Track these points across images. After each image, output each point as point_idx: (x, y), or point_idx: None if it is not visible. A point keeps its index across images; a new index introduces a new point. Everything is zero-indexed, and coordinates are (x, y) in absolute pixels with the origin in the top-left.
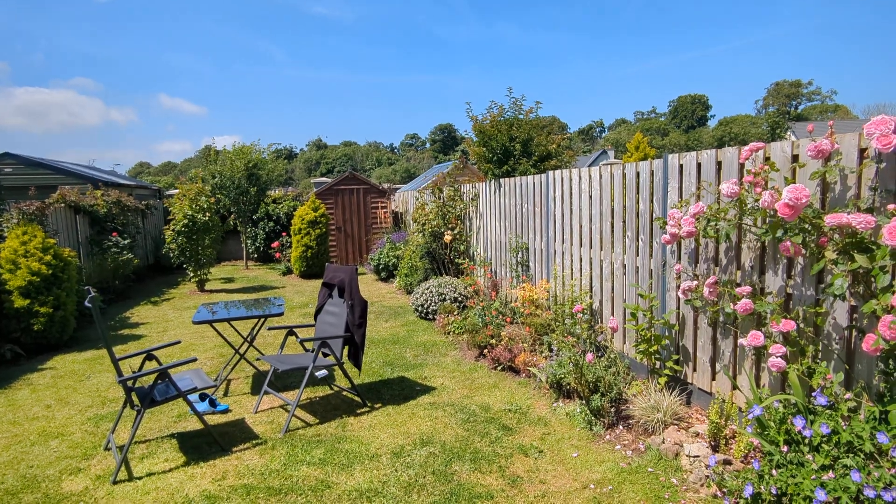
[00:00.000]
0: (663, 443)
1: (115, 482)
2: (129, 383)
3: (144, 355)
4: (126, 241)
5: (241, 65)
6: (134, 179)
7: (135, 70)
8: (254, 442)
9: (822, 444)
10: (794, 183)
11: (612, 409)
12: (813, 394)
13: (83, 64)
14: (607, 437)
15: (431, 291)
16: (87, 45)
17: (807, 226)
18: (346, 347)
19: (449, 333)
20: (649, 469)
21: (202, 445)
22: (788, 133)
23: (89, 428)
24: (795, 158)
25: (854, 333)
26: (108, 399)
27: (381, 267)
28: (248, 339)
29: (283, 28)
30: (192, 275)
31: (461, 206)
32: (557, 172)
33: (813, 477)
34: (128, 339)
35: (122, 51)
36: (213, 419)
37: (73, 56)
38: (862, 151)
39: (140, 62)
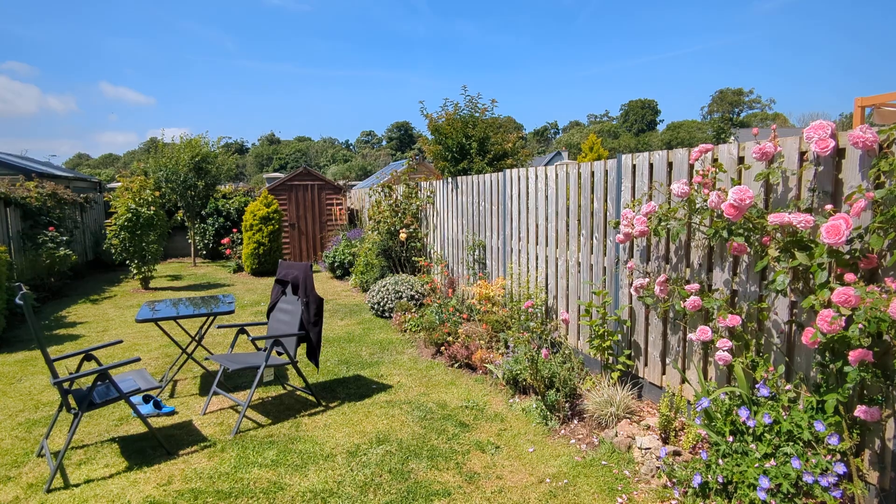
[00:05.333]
0: (616, 436)
1: (48, 490)
2: (66, 385)
3: (83, 356)
4: (64, 237)
5: (191, 54)
6: (72, 171)
7: (74, 55)
8: (202, 444)
9: (765, 434)
10: (740, 184)
11: (566, 404)
12: (756, 385)
13: (17, 47)
14: (562, 431)
15: (388, 289)
16: (21, 27)
17: (751, 225)
18: (302, 345)
19: (405, 331)
20: (603, 462)
21: (146, 449)
22: (732, 138)
23: (20, 434)
24: (741, 160)
25: (794, 328)
26: (41, 403)
27: (336, 264)
28: (196, 338)
29: (235, 17)
30: (135, 272)
31: (417, 203)
32: (514, 171)
33: (756, 465)
34: (64, 339)
35: (61, 34)
36: (159, 422)
37: (5, 38)
38: (802, 154)
39: (80, 47)
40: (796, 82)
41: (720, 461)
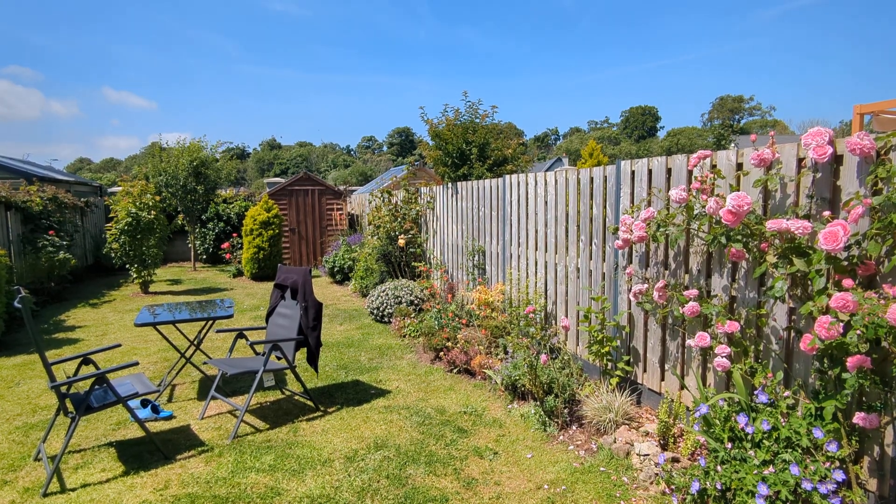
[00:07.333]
0: (615, 442)
1: (45, 494)
2: (63, 389)
3: (80, 359)
4: (64, 241)
5: (193, 59)
6: (73, 175)
7: (77, 60)
8: (199, 449)
9: (764, 440)
10: (739, 190)
11: (565, 410)
12: (755, 392)
13: (20, 51)
14: (561, 437)
15: (387, 294)
16: (24, 32)
17: (749, 231)
18: (301, 350)
19: (405, 336)
20: (601, 468)
21: (143, 454)
22: (732, 145)
23: (17, 437)
24: (740, 167)
25: (792, 334)
26: (39, 406)
27: (336, 269)
28: (195, 342)
29: (237, 22)
30: (135, 276)
31: (417, 208)
32: (514, 177)
33: (755, 472)
34: (63, 342)
35: (64, 39)
36: (156, 426)
37: (8, 43)
38: (800, 161)
39: (83, 52)
40: (797, 89)
41: (719, 468)
